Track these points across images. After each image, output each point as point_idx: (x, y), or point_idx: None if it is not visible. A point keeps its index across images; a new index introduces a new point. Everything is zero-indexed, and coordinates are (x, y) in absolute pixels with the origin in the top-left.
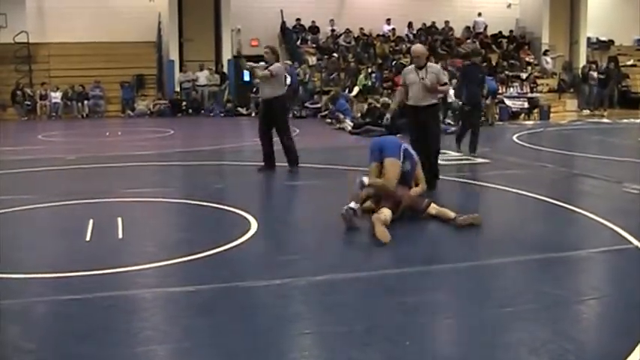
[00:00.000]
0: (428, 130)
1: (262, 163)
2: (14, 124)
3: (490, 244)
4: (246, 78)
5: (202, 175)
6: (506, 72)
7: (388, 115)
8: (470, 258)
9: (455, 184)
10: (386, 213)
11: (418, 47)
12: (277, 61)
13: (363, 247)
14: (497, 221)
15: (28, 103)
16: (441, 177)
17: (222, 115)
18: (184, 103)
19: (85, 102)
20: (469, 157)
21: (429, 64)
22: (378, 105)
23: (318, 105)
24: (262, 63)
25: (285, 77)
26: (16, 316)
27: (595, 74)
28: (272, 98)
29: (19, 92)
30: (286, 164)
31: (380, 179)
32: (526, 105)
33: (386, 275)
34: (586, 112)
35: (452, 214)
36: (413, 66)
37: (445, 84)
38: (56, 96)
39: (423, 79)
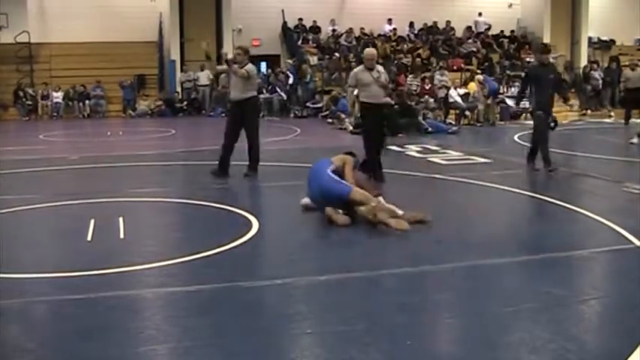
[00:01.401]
0: (383, 126)
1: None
2: (16, 124)
3: (491, 244)
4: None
5: (204, 175)
6: (508, 72)
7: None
8: (471, 258)
9: (455, 184)
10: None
11: (372, 50)
12: (249, 61)
13: (364, 247)
14: (497, 221)
15: (30, 103)
16: (442, 177)
17: (223, 115)
18: (185, 102)
19: (87, 102)
20: (472, 157)
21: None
22: None
23: (319, 105)
24: (235, 65)
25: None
26: (17, 315)
27: (596, 74)
28: (242, 99)
29: (20, 92)
30: (279, 164)
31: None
32: (527, 105)
33: (387, 275)
34: (588, 111)
35: (400, 212)
36: (362, 67)
37: (388, 84)
38: (57, 96)
39: (378, 78)
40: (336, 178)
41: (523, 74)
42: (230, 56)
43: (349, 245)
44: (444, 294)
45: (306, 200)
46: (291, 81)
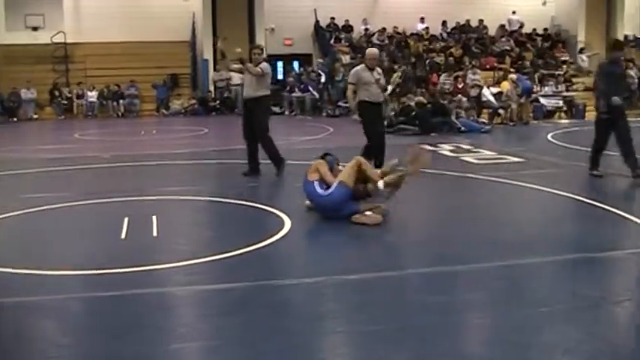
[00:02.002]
0: (382, 124)
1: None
2: (52, 123)
3: (524, 243)
4: (279, 77)
5: (236, 173)
6: (541, 70)
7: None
8: (503, 257)
9: (488, 184)
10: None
11: (374, 50)
12: (264, 60)
13: (395, 246)
14: (531, 221)
15: (65, 102)
16: (474, 176)
17: None
18: (217, 101)
19: (121, 101)
20: (505, 157)
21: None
22: (412, 104)
23: None
24: (249, 64)
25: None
26: (52, 311)
27: (632, 72)
28: (253, 98)
29: (56, 92)
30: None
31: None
32: (561, 103)
33: (417, 274)
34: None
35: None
36: (363, 66)
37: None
38: (92, 95)
39: (378, 80)
40: (331, 191)
41: (595, 71)
42: (244, 55)
43: (379, 244)
44: (475, 294)
45: (308, 202)
46: (323, 79)
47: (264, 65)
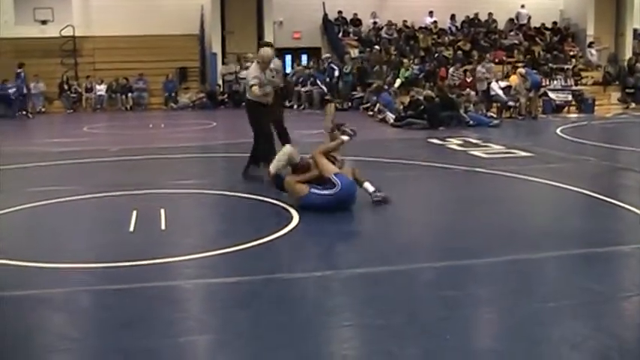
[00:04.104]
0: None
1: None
2: (60, 117)
3: (532, 238)
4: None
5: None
6: (550, 64)
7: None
8: (511, 252)
9: (497, 178)
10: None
11: (268, 52)
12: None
13: (404, 240)
14: (539, 215)
15: (74, 95)
16: (483, 170)
17: None
18: (226, 95)
19: (129, 94)
20: (514, 151)
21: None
22: (421, 97)
23: (360, 95)
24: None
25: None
26: (61, 304)
27: None
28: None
29: (65, 85)
30: None
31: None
32: (570, 98)
33: (426, 268)
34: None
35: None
36: (257, 66)
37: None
38: (101, 89)
39: (272, 79)
40: (339, 186)
41: None
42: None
43: (388, 238)
44: (483, 288)
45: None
46: (336, 74)
47: (278, 63)
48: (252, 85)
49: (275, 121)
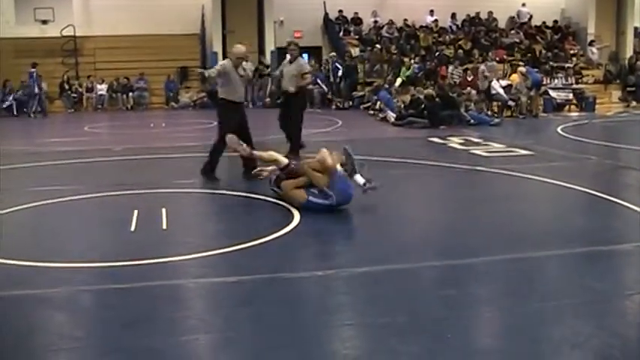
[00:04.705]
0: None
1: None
2: (61, 116)
3: (533, 236)
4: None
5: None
6: (551, 63)
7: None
8: (512, 250)
9: (498, 177)
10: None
11: (241, 49)
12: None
13: (405, 239)
14: (540, 214)
15: (75, 95)
16: (484, 169)
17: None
18: None
19: (130, 94)
20: (514, 149)
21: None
22: (421, 96)
23: (361, 93)
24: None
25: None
26: (63, 304)
27: None
28: (290, 92)
29: (66, 85)
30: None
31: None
32: (571, 96)
33: (427, 267)
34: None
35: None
36: (230, 62)
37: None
38: (102, 88)
39: (243, 76)
40: (335, 189)
41: None
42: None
43: (389, 237)
44: (485, 287)
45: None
46: (340, 73)
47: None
48: (211, 71)
49: (240, 125)
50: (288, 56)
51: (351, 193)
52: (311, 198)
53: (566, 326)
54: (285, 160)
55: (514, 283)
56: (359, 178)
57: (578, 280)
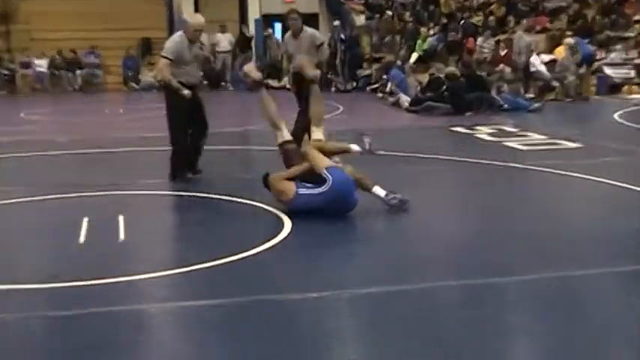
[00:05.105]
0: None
1: None
2: None
3: (582, 250)
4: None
5: (225, 163)
6: (607, 32)
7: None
8: (552, 268)
9: (537, 176)
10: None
11: (200, 19)
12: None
13: (420, 253)
14: (590, 222)
15: (7, 72)
16: (520, 166)
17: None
18: (201, 73)
19: (78, 72)
20: (559, 141)
21: None
22: (442, 76)
23: (368, 72)
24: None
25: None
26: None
27: None
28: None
29: None
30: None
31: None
32: (632, 74)
33: (447, 288)
34: None
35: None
36: (183, 37)
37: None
38: (41, 64)
39: (197, 56)
40: (329, 183)
41: None
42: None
43: (400, 250)
44: (521, 311)
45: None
46: (342, 48)
47: (311, 32)
48: (162, 60)
49: (192, 110)
50: (289, 31)
51: (352, 188)
52: (300, 190)
53: (609, 357)
54: (287, 136)
55: (553, 307)
56: (378, 190)
57: (632, 304)
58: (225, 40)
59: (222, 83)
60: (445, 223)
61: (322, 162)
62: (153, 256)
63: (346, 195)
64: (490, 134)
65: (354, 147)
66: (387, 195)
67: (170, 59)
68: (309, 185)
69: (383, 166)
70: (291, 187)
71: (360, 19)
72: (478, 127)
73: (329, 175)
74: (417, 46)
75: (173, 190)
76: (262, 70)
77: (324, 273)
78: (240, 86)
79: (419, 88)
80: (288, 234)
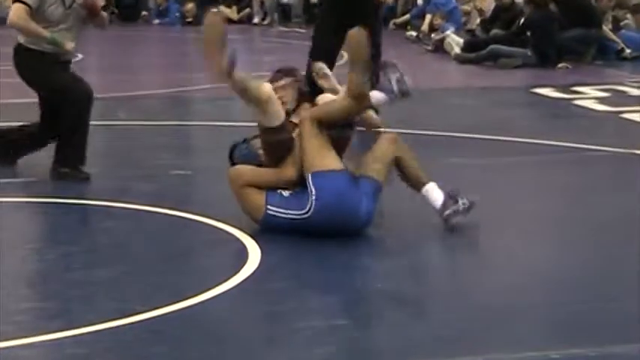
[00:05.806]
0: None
1: None
2: None
3: None
4: None
5: (146, 148)
6: None
7: None
8: None
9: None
10: None
11: None
12: None
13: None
14: None
15: None
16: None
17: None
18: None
19: None
20: None
21: None
22: (519, 0)
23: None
24: None
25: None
26: None
27: None
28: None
29: None
30: None
31: None
32: None
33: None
34: None
35: None
36: None
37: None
38: None
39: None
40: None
41: None
42: None
43: (438, 298)
44: None
45: None
46: None
47: None
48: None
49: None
50: None
51: (355, 208)
52: (270, 208)
53: None
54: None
55: None
56: (434, 193)
57: None
58: None
59: (144, 14)
60: (520, 247)
61: (314, 160)
62: (20, 309)
63: (342, 218)
64: (600, 100)
65: (376, 95)
66: (445, 204)
67: (28, 5)
68: (285, 195)
69: (426, 152)
70: (258, 202)
71: None
72: (580, 89)
73: (312, 189)
74: None
75: (58, 195)
76: None
77: (308, 333)
78: (172, 16)
79: (478, 22)
80: (255, 270)
